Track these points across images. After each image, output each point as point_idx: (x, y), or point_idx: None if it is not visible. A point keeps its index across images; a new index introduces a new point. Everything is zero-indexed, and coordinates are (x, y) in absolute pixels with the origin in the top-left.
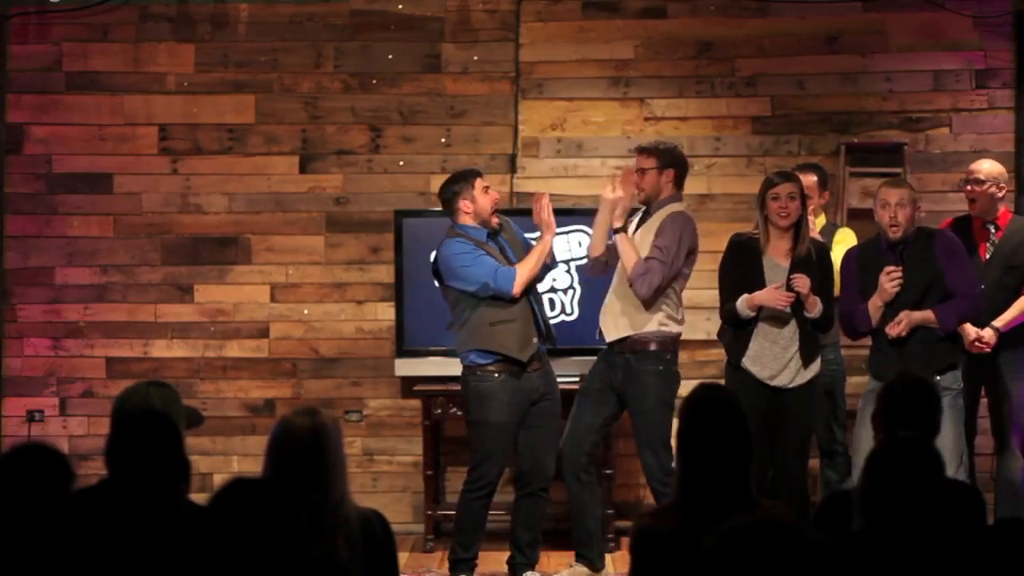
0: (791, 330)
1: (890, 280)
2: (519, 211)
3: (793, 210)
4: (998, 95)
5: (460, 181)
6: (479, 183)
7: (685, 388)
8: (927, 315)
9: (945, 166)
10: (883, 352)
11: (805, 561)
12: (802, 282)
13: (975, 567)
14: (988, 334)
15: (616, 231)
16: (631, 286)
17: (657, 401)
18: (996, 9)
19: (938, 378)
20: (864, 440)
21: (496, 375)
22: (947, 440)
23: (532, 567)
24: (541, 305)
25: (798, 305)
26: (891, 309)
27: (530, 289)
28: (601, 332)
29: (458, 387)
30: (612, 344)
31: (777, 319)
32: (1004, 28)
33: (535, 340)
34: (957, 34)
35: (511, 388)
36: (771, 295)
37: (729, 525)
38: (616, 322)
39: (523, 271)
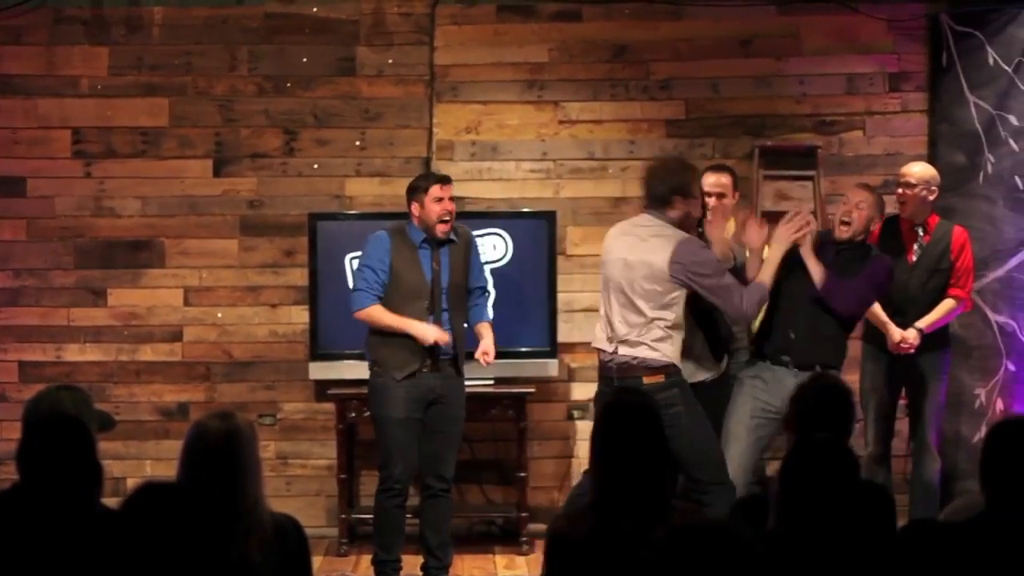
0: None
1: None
2: None
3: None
4: (911, 98)
5: (420, 181)
6: (434, 191)
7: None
8: (823, 271)
9: (858, 169)
10: (771, 332)
11: (744, 564)
12: None
13: (886, 567)
14: (912, 335)
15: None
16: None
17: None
18: (908, 13)
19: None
20: (734, 420)
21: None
22: None
23: (446, 570)
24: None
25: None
26: (800, 307)
27: (445, 309)
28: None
29: None
30: None
31: None
32: (917, 32)
33: (421, 358)
34: (870, 38)
35: (406, 384)
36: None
37: (671, 526)
38: None
39: (372, 313)
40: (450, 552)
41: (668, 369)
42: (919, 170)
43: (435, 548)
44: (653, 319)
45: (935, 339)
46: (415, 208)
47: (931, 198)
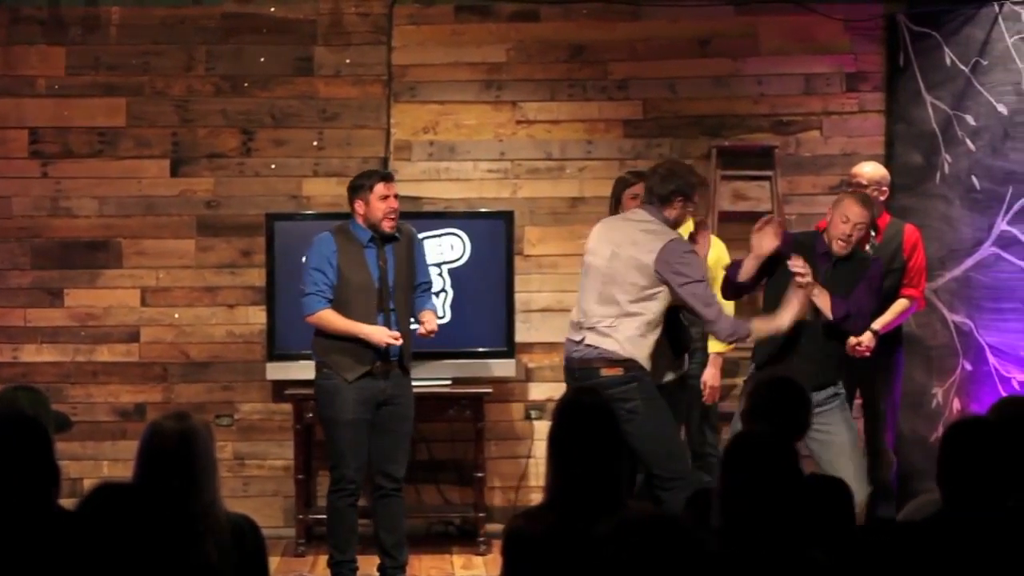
0: None
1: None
2: None
3: None
4: (868, 98)
5: (363, 179)
6: (379, 189)
7: (558, 391)
8: (826, 300)
9: (816, 169)
10: (776, 358)
11: (690, 555)
12: None
13: (844, 565)
14: (867, 337)
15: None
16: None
17: None
18: (866, 13)
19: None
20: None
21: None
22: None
23: (402, 569)
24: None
25: None
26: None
27: (392, 309)
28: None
29: None
30: None
31: None
32: (874, 32)
33: (371, 359)
34: (827, 38)
35: (356, 385)
36: None
37: (621, 517)
38: None
39: (324, 316)
40: (405, 551)
41: (628, 364)
42: (870, 170)
43: (390, 548)
44: (629, 312)
45: (888, 339)
46: (359, 206)
47: (882, 198)
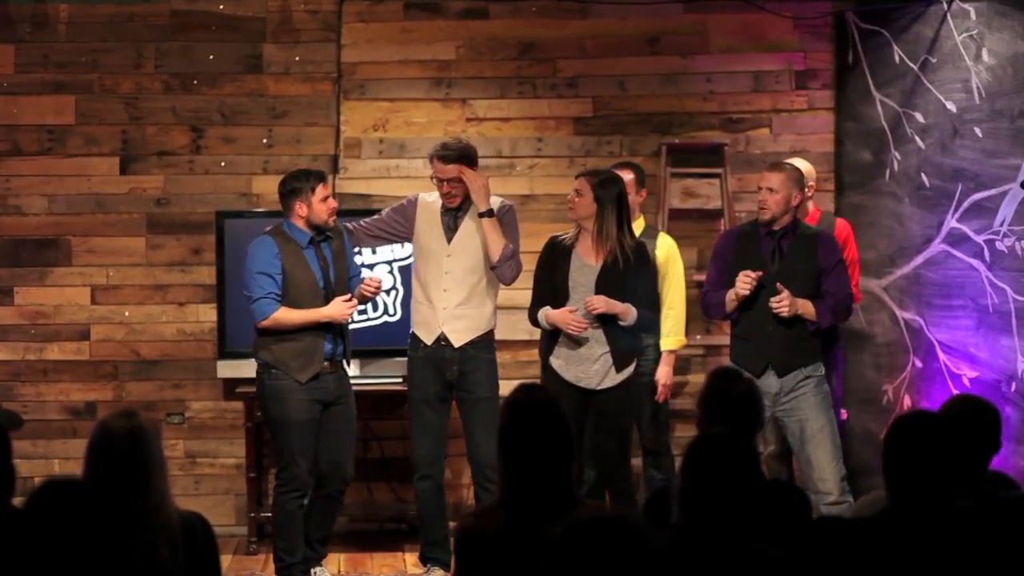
0: (597, 334)
1: (743, 283)
2: (340, 212)
3: (579, 206)
4: (817, 96)
5: (301, 181)
6: (320, 190)
7: (507, 388)
8: (808, 305)
9: (765, 166)
10: (747, 342)
11: (641, 556)
12: (595, 303)
13: (795, 563)
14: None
15: (483, 215)
16: (496, 268)
17: (495, 390)
18: (815, 11)
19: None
20: None
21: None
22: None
23: (319, 562)
24: (340, 330)
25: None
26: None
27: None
28: (446, 336)
29: None
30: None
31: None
32: (823, 30)
33: (321, 359)
34: (777, 35)
35: (308, 386)
36: (562, 318)
37: (574, 517)
38: (466, 325)
39: (280, 317)
40: (327, 547)
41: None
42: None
43: (315, 542)
44: None
45: (824, 335)
46: (301, 208)
47: (809, 194)
